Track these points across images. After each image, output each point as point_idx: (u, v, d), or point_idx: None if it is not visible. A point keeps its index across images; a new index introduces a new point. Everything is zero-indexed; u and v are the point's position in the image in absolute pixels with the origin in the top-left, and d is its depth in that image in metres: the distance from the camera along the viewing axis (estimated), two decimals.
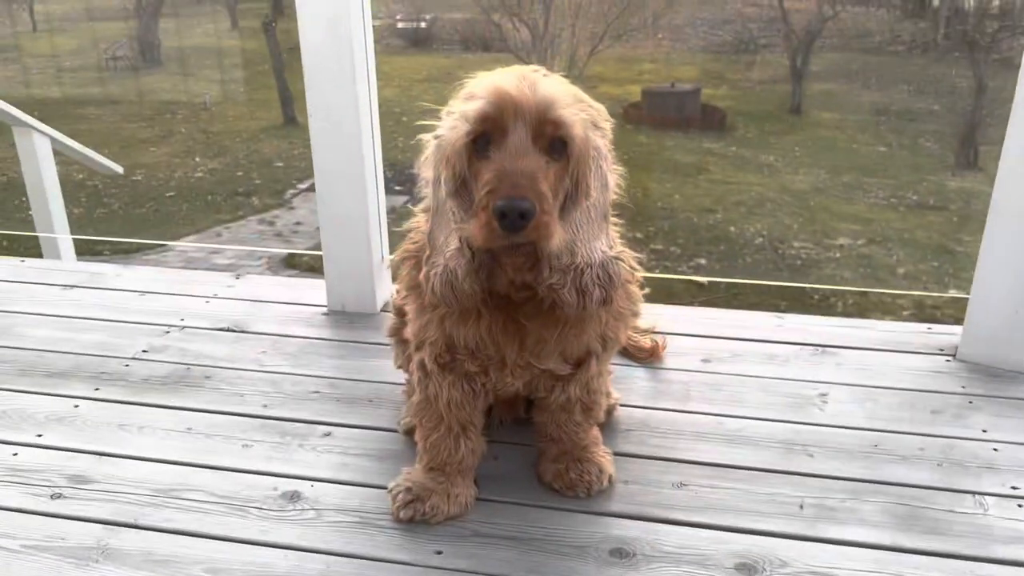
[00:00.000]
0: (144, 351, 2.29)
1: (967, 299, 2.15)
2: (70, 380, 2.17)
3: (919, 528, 1.65)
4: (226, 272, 2.85)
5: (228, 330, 2.39)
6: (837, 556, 1.59)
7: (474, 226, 1.36)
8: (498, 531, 1.66)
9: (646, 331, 2.20)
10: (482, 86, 1.39)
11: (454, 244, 1.44)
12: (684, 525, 1.67)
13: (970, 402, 2.01)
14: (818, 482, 1.76)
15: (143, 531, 1.68)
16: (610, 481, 1.75)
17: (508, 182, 1.32)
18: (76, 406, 2.06)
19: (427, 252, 1.49)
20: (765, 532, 1.64)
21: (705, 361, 2.19)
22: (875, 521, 1.66)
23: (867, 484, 1.75)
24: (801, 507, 1.70)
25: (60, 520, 1.71)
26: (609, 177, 1.48)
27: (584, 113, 1.41)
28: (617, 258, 1.48)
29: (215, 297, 2.58)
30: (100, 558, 1.62)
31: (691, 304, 2.41)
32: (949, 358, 2.18)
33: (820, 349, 2.23)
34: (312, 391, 2.11)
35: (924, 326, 2.36)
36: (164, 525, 1.70)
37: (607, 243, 1.49)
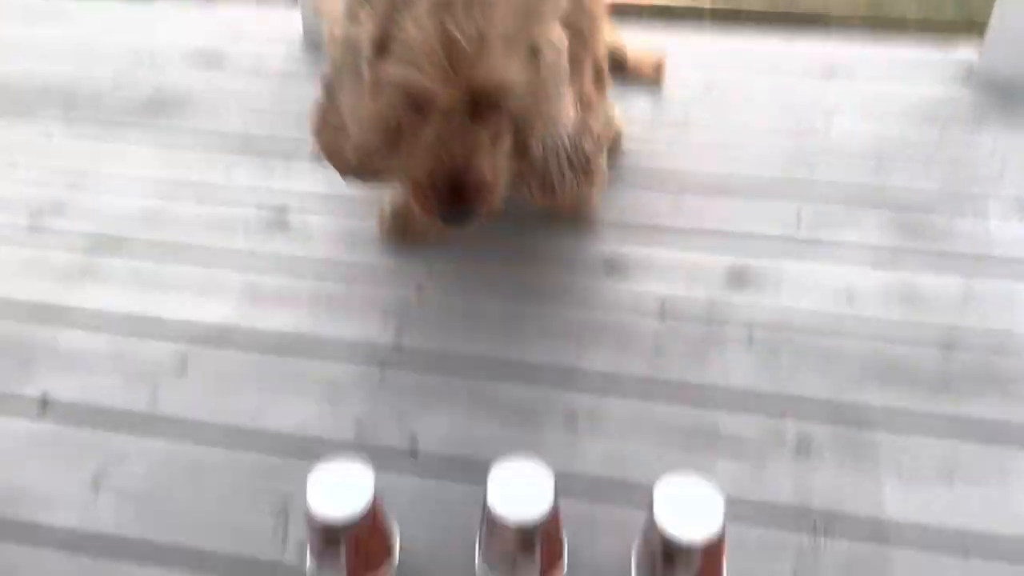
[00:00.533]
0: (117, 81, 2.16)
1: (983, 24, 2.00)
2: (39, 110, 2.06)
3: (921, 236, 1.61)
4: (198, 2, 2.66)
5: (204, 59, 2.25)
6: (833, 264, 1.57)
7: (406, 179, 1.18)
8: (487, 251, 1.62)
9: (647, 52, 2.07)
10: (402, 37, 1.08)
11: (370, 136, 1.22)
12: (677, 240, 1.63)
13: (981, 117, 1.91)
14: (818, 195, 1.71)
15: (127, 254, 1.66)
16: (599, 199, 1.67)
17: (446, 178, 1.13)
18: (48, 135, 1.97)
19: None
20: (760, 245, 1.61)
21: (707, 86, 2.07)
22: (875, 231, 1.63)
23: (869, 196, 1.70)
24: (799, 218, 1.66)
25: (40, 245, 1.68)
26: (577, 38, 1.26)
27: (533, 30, 1.13)
28: (585, 129, 1.30)
29: (189, 26, 2.41)
30: (85, 280, 1.60)
31: (694, 31, 2.27)
32: (963, 75, 2.06)
33: (828, 71, 2.11)
34: (296, 115, 2.00)
35: (939, 45, 2.22)
36: (148, 248, 1.67)
37: (569, 110, 1.27)
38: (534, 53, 1.11)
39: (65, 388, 1.40)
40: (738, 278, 1.55)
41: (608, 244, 1.63)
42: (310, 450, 1.28)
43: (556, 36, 1.18)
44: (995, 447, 1.26)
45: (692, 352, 1.42)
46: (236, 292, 1.56)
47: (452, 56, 1.03)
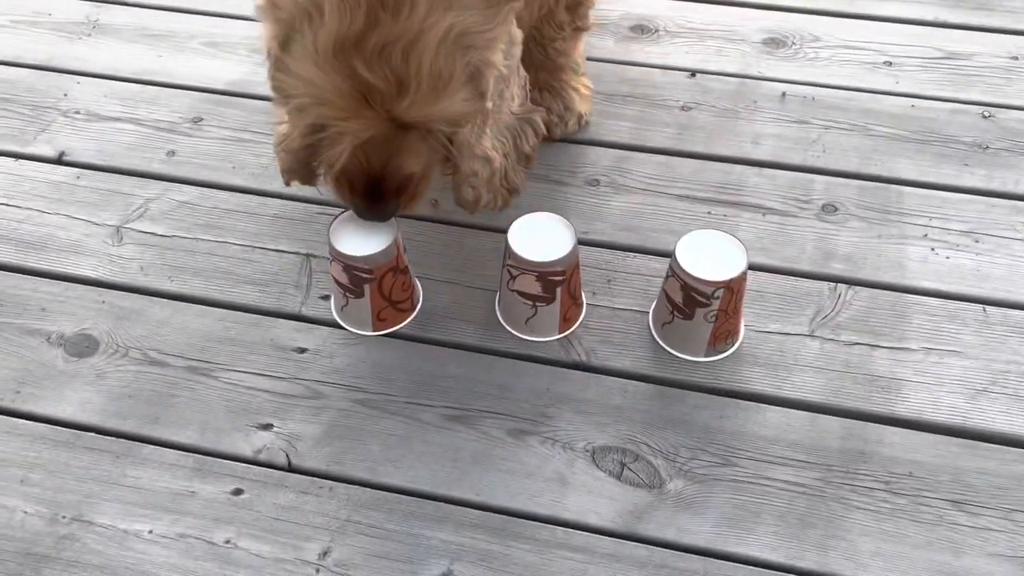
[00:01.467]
0: None
1: None
2: None
3: (967, 4, 1.53)
4: None
5: None
6: (874, 31, 1.49)
7: (327, 171, 1.03)
8: None
9: None
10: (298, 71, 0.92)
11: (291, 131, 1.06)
12: (713, 3, 1.55)
13: None
14: None
15: (133, 7, 1.59)
16: (580, 122, 1.37)
17: (363, 180, 0.99)
18: None
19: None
20: (799, 8, 1.53)
21: None
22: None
23: None
24: None
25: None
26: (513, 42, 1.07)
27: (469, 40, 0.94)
28: (528, 124, 1.16)
29: None
30: (92, 32, 1.55)
31: None
32: None
33: None
34: None
35: None
36: (155, 3, 1.60)
37: (517, 101, 1.13)
38: (479, 72, 0.97)
39: (80, 146, 1.38)
40: (773, 45, 1.48)
41: (638, 7, 1.55)
42: (332, 202, 1.27)
43: (504, 50, 1.02)
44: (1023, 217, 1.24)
45: (721, 118, 1.38)
46: (248, 51, 1.51)
47: (369, 96, 0.91)
